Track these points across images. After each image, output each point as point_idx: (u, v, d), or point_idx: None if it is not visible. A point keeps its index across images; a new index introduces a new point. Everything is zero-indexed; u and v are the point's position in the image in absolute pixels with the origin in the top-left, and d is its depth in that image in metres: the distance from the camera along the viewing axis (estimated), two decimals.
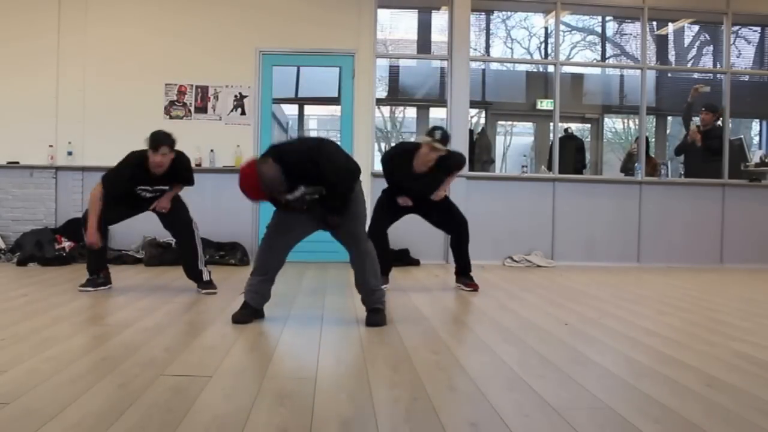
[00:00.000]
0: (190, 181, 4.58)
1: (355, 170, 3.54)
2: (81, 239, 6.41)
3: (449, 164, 4.79)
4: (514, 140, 13.80)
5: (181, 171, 4.47)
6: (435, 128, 4.75)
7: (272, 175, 3.27)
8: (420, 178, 4.74)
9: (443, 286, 5.21)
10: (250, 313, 3.59)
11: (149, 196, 4.48)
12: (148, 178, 4.36)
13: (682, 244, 7.38)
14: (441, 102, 7.83)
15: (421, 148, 4.62)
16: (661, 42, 12.37)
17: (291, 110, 11.95)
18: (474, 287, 4.92)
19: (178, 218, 4.58)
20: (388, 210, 4.93)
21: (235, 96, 7.01)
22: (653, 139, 12.29)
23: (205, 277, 4.60)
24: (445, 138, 4.63)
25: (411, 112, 13.36)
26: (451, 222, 5.00)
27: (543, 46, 13.26)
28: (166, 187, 4.48)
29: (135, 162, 4.33)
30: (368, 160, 6.91)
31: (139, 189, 4.40)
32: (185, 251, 4.62)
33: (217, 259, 6.34)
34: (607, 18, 12.34)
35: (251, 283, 3.63)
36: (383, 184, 4.99)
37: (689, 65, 12.95)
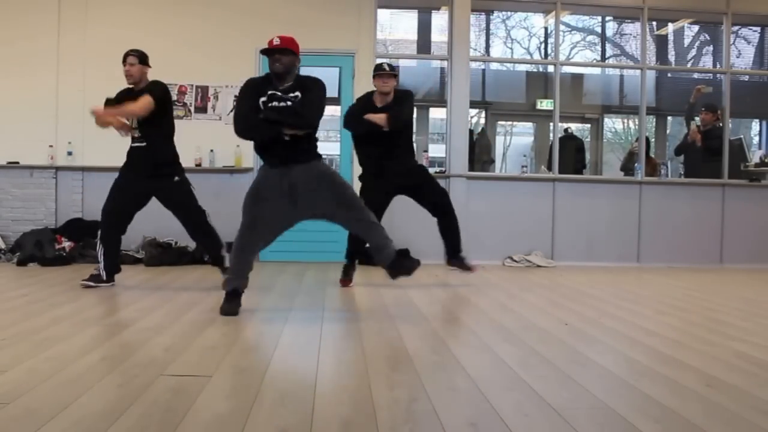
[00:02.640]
0: (153, 92, 4.58)
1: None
2: (81, 239, 6.46)
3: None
4: (514, 140, 13.83)
5: (152, 87, 4.64)
6: (378, 65, 5.01)
7: (295, 61, 3.72)
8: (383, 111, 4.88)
9: (443, 286, 5.20)
10: (237, 303, 3.75)
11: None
12: (130, 92, 4.68)
13: (682, 244, 7.38)
14: (441, 102, 7.83)
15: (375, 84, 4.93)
16: (661, 42, 12.39)
17: None
18: (470, 269, 5.00)
19: (188, 210, 4.68)
20: (376, 194, 4.91)
21: (235, 96, 6.98)
22: (653, 139, 12.30)
23: (227, 263, 4.66)
24: (390, 67, 4.91)
25: None
26: (432, 195, 5.04)
27: (543, 46, 13.28)
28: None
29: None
30: None
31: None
32: (205, 240, 4.77)
33: None
34: (607, 18, 12.37)
35: (229, 275, 3.83)
36: None
37: (689, 65, 12.97)
